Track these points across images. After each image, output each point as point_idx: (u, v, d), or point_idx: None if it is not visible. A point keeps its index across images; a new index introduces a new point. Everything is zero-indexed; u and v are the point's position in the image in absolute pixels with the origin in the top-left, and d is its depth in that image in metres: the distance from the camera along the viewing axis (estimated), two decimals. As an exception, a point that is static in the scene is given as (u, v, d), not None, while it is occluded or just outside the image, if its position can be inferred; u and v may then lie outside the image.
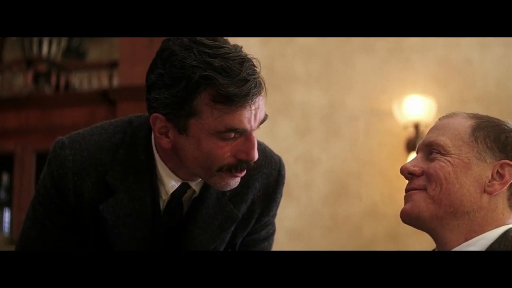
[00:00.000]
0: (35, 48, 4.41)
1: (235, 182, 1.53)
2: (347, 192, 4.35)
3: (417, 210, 1.38)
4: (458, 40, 4.37)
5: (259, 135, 3.98)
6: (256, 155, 1.47)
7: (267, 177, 1.67)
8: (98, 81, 4.31)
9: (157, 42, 1.54)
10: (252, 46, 4.52)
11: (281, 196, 1.72)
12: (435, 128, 1.46)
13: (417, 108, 4.27)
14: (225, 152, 1.47)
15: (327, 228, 4.32)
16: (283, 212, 4.13)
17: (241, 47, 1.48)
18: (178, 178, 1.60)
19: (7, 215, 4.33)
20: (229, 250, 1.72)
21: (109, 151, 1.61)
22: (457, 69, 4.36)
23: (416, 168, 1.42)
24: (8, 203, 4.32)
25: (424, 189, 1.40)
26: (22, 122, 4.22)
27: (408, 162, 1.45)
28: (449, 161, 1.38)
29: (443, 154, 1.39)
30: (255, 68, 1.46)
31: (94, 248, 1.67)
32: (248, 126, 1.43)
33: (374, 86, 4.42)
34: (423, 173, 1.41)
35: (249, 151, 1.46)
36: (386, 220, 4.25)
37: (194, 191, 1.63)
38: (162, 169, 1.60)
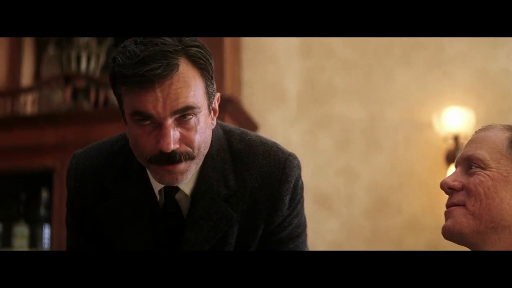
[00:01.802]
0: (73, 64, 4.67)
1: (171, 177, 1.56)
2: (388, 204, 4.57)
3: (458, 227, 1.44)
4: (496, 51, 4.58)
5: (298, 149, 4.36)
6: (168, 146, 1.48)
7: (268, 175, 1.70)
8: (137, 97, 4.53)
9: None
10: (292, 61, 4.82)
11: (291, 194, 1.73)
12: (472, 142, 1.52)
13: (456, 120, 4.45)
14: (145, 141, 1.52)
15: (368, 241, 4.54)
16: (324, 225, 4.56)
17: (192, 40, 1.53)
18: None
19: (47, 231, 4.58)
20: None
21: (108, 158, 1.74)
22: (494, 80, 4.55)
23: (456, 183, 1.48)
24: (48, 219, 4.57)
25: (464, 204, 1.46)
26: (61, 138, 4.45)
27: (448, 177, 1.52)
28: (488, 175, 1.44)
29: (482, 168, 1.45)
30: (171, 55, 1.47)
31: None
32: (153, 111, 1.46)
33: (413, 98, 4.64)
34: (463, 187, 1.47)
35: (160, 141, 1.48)
36: (427, 232, 4.45)
37: (184, 191, 1.69)
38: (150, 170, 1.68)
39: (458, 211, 1.46)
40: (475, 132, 1.55)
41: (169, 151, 1.49)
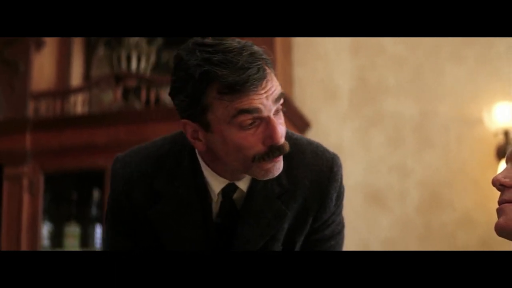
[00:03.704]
0: (123, 64, 4.98)
1: (275, 169, 1.72)
2: (440, 200, 4.86)
3: (511, 224, 1.51)
4: (545, 45, 4.78)
5: (350, 146, 4.83)
6: (280, 138, 1.64)
7: (317, 174, 1.85)
8: (188, 95, 4.82)
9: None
10: (342, 58, 5.08)
11: (337, 193, 1.89)
12: None
13: (507, 115, 4.75)
14: (251, 141, 1.65)
15: (421, 237, 4.83)
16: (377, 222, 4.97)
17: (251, 43, 1.69)
18: (223, 179, 1.82)
19: (98, 231, 4.91)
20: (287, 248, 1.90)
21: (155, 162, 1.86)
22: (544, 74, 4.71)
23: (507, 180, 1.54)
24: (99, 219, 4.87)
25: None
26: (112, 138, 4.73)
27: (499, 173, 1.57)
28: None
29: None
30: (256, 56, 1.64)
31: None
32: (260, 106, 1.62)
33: (464, 94, 4.93)
34: None
35: (272, 135, 1.64)
36: (479, 228, 4.75)
37: (243, 190, 1.84)
38: (207, 172, 1.82)
39: (510, 208, 1.51)
40: None
41: (281, 143, 1.66)
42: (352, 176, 4.91)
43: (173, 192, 1.84)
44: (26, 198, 4.98)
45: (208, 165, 1.82)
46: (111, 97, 5.00)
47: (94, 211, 5.06)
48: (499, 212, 1.55)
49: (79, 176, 5.13)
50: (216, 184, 1.82)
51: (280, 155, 1.69)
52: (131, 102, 5.00)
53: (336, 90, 5.13)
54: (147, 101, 4.95)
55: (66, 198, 5.18)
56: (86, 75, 5.49)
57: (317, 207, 1.87)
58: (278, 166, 1.72)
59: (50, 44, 5.32)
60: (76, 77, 5.46)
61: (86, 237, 5.07)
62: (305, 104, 5.15)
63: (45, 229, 5.09)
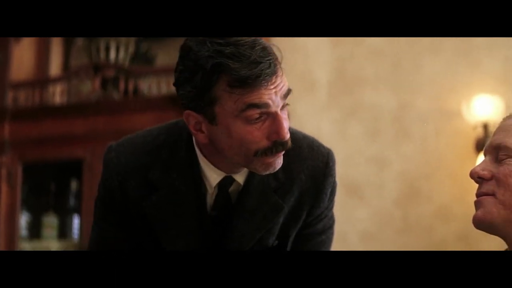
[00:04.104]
0: (102, 54, 4.96)
1: (276, 163, 1.73)
2: (418, 193, 4.86)
3: (489, 217, 1.52)
4: (526, 38, 4.82)
5: (328, 137, 4.85)
6: (286, 134, 1.66)
7: (313, 169, 1.88)
8: (167, 86, 4.72)
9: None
10: (321, 50, 5.08)
11: (331, 188, 1.94)
12: (501, 130, 1.59)
13: (486, 108, 4.73)
14: (256, 136, 1.66)
15: (399, 230, 4.84)
16: (354, 214, 4.98)
17: (260, 39, 1.70)
18: (220, 172, 1.83)
19: (76, 222, 4.94)
20: (281, 242, 1.92)
21: (151, 152, 1.85)
22: (524, 67, 4.72)
23: (485, 172, 1.55)
24: (77, 209, 4.91)
25: (493, 194, 1.53)
26: (91, 128, 4.77)
27: (477, 166, 1.58)
28: None
29: (511, 157, 1.53)
30: (268, 51, 1.66)
31: (145, 246, 1.91)
32: (269, 102, 1.64)
33: (442, 86, 4.92)
34: (492, 177, 1.55)
35: (278, 130, 1.65)
36: (457, 221, 4.74)
37: (240, 183, 1.85)
38: (204, 164, 1.83)
39: (488, 200, 1.53)
40: (503, 119, 1.63)
41: (286, 139, 1.68)
42: (330, 168, 4.91)
43: (169, 183, 1.84)
44: (4, 188, 5.02)
45: (206, 157, 1.82)
46: (89, 87, 5.04)
47: (72, 201, 5.10)
48: (477, 204, 1.57)
49: (57, 166, 5.16)
50: (213, 176, 1.83)
51: (283, 150, 1.71)
52: (110, 93, 5.03)
53: (314, 82, 5.14)
54: (126, 91, 4.99)
55: (45, 188, 5.21)
56: (65, 65, 5.51)
57: (312, 202, 1.90)
58: (279, 161, 1.74)
59: (29, 34, 5.32)
60: (55, 67, 5.49)
61: (64, 228, 5.10)
62: (284, 95, 5.15)
63: (23, 220, 5.11)
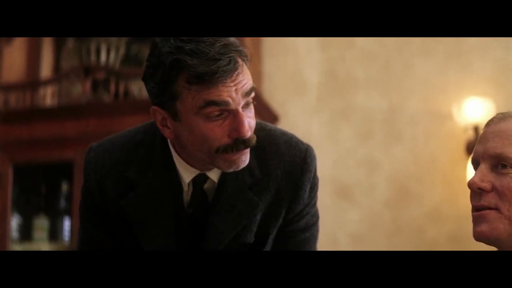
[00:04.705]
0: (92, 56, 4.95)
1: (240, 161, 1.75)
2: (409, 195, 4.90)
3: (495, 233, 1.49)
4: (517, 41, 4.82)
5: (319, 139, 4.87)
6: (247, 132, 1.68)
7: (290, 165, 1.88)
8: (157, 88, 4.87)
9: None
10: (312, 52, 5.12)
11: (311, 184, 1.93)
12: (496, 136, 1.54)
13: (476, 110, 4.77)
14: (217, 133, 1.69)
15: (389, 232, 4.88)
16: (345, 216, 5.03)
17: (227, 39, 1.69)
18: (194, 169, 1.85)
19: (67, 224, 4.93)
20: (260, 239, 1.92)
21: (129, 151, 1.89)
22: (514, 70, 4.76)
23: (485, 184, 1.52)
24: (68, 211, 4.89)
25: (496, 208, 1.50)
26: (81, 130, 4.74)
27: (475, 176, 1.54)
28: None
29: None
30: (229, 48, 1.67)
31: (127, 246, 1.94)
32: (228, 99, 1.65)
33: (433, 89, 4.97)
34: (493, 189, 1.51)
35: (238, 128, 1.67)
36: (448, 223, 4.79)
37: (214, 181, 1.87)
38: (178, 162, 1.85)
39: (492, 215, 1.50)
40: (493, 122, 1.59)
41: (247, 137, 1.70)
42: (320, 170, 4.90)
43: (146, 182, 1.87)
44: (-6, 189, 5.01)
45: (179, 155, 1.85)
46: (80, 89, 5.04)
47: (62, 203, 5.10)
48: (479, 218, 1.53)
49: (48, 168, 5.16)
50: (186, 174, 1.85)
51: (244, 148, 1.73)
52: (100, 95, 5.03)
53: (304, 84, 5.18)
54: (116, 93, 4.99)
55: (35, 190, 5.21)
56: (56, 67, 5.52)
57: (290, 198, 1.90)
58: (244, 158, 1.76)
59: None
60: (45, 69, 5.50)
61: (54, 230, 5.11)
62: (274, 97, 5.20)
63: (14, 222, 5.13)
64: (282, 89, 5.23)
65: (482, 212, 1.51)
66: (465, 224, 4.50)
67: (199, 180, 1.87)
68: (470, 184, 1.53)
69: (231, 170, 1.77)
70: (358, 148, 5.07)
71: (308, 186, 1.92)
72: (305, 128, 5.06)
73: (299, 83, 5.21)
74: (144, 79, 1.77)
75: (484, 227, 1.51)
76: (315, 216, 2.01)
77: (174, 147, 1.85)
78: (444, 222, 4.88)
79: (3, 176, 5.02)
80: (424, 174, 4.95)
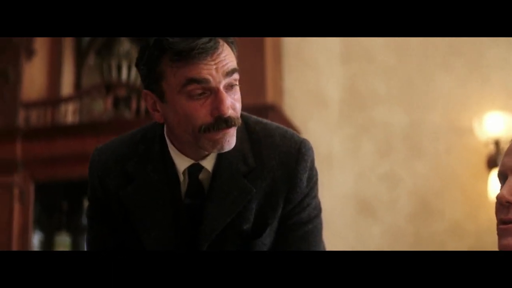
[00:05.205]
0: (114, 73, 5.01)
1: (224, 141, 1.77)
2: (430, 210, 4.92)
3: None
4: (537, 54, 4.87)
5: (340, 155, 4.88)
6: (227, 109, 1.72)
7: (285, 155, 1.88)
8: (178, 104, 4.89)
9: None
10: (332, 67, 5.16)
11: (308, 173, 1.92)
12: None
13: (497, 125, 4.80)
14: (199, 112, 1.72)
15: (411, 246, 4.86)
16: (367, 231, 5.06)
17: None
18: (188, 159, 1.87)
19: None
20: (257, 229, 1.93)
21: (129, 147, 1.94)
22: (535, 84, 4.80)
23: None
24: None
25: None
26: None
27: (504, 189, 1.52)
28: None
29: None
30: (215, 39, 1.72)
31: (128, 244, 1.97)
32: (208, 77, 1.70)
33: (454, 103, 5.00)
34: None
35: (218, 106, 1.71)
36: (469, 238, 4.80)
37: (208, 170, 1.89)
38: (173, 152, 1.88)
39: None
40: None
41: (227, 115, 1.73)
42: (342, 185, 5.00)
43: (144, 175, 1.91)
44: (16, 207, 5.05)
45: (173, 144, 1.88)
46: (101, 106, 5.09)
47: (84, 220, 5.09)
48: (506, 231, 1.52)
49: (69, 185, 5.20)
50: (181, 163, 1.88)
51: (226, 127, 1.76)
52: (122, 112, 5.08)
53: (326, 99, 5.22)
54: (138, 110, 5.04)
55: (57, 207, 5.26)
56: (77, 84, 5.57)
57: (286, 188, 1.91)
58: (228, 138, 1.79)
59: (41, 53, 5.41)
60: (66, 86, 5.55)
61: (76, 247, 5.16)
62: (295, 113, 5.24)
63: (36, 239, 5.16)
64: (303, 105, 5.26)
65: (510, 225, 1.50)
66: (486, 238, 4.63)
67: (194, 170, 1.90)
68: (499, 197, 1.52)
69: (216, 150, 1.81)
70: (380, 163, 5.10)
71: (305, 176, 1.92)
72: (326, 144, 5.09)
73: (320, 98, 5.26)
74: (136, 64, 1.83)
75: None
76: (317, 209, 2.01)
77: (169, 138, 1.89)
78: (465, 237, 4.90)
79: (24, 193, 5.06)
80: (445, 189, 4.97)
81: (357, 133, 5.18)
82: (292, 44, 5.32)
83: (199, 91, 1.72)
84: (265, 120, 1.99)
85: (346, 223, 4.99)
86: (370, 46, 5.20)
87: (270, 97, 4.79)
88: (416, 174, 5.05)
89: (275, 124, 2.00)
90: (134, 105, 5.02)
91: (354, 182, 5.08)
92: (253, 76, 4.67)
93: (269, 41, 4.89)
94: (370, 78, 5.23)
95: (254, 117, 1.98)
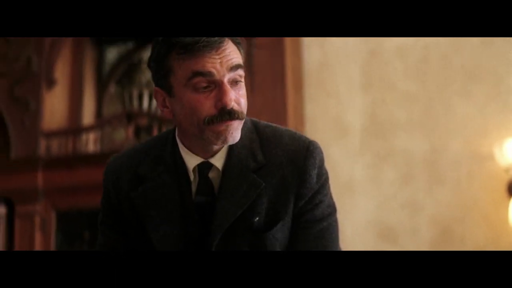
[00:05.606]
0: (135, 102, 5.22)
1: (228, 132, 1.79)
2: (452, 237, 4.93)
3: None
4: (555, 81, 4.95)
5: (361, 182, 4.89)
6: (230, 101, 1.76)
7: (293, 153, 1.90)
8: (199, 134, 4.91)
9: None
10: (353, 95, 5.19)
11: (318, 170, 1.93)
12: None
13: None
14: (204, 104, 1.76)
15: None
16: (389, 259, 5.07)
17: None
18: (197, 157, 1.89)
19: None
20: (269, 224, 1.92)
21: (142, 152, 1.95)
22: (555, 109, 4.86)
23: None
24: None
25: None
26: None
27: None
28: None
29: None
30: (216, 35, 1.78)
31: (140, 247, 1.97)
32: (213, 70, 1.75)
33: (474, 130, 5.01)
34: None
35: (222, 97, 1.74)
36: None
37: (218, 168, 1.90)
38: (183, 151, 1.90)
39: None
40: None
41: (230, 107, 1.75)
42: (364, 212, 5.02)
43: (155, 176, 1.93)
44: (38, 236, 5.09)
45: (183, 144, 1.90)
46: (123, 135, 5.13)
47: (105, 248, 5.14)
48: None
49: (91, 214, 5.20)
50: (190, 161, 1.90)
51: (230, 119, 1.78)
52: (143, 140, 5.10)
53: (347, 127, 5.25)
54: (159, 139, 5.05)
55: (78, 236, 5.27)
56: (98, 113, 5.62)
57: (296, 183, 1.90)
58: (231, 131, 1.81)
59: (62, 82, 5.47)
60: (87, 115, 5.60)
61: (98, 276, 5.15)
62: (316, 140, 5.24)
63: (57, 268, 5.16)
64: (324, 133, 5.29)
65: None
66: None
67: (204, 168, 1.91)
68: None
69: (220, 142, 1.82)
70: (401, 190, 5.11)
71: (314, 172, 1.92)
72: (348, 171, 5.11)
73: (341, 126, 5.28)
74: (148, 64, 1.87)
75: None
76: (331, 208, 1.98)
77: (179, 138, 1.91)
78: (487, 263, 4.90)
79: (46, 222, 5.10)
80: (466, 216, 4.98)
81: (378, 161, 5.20)
82: (312, 72, 5.37)
83: (204, 84, 1.76)
84: (274, 124, 2.00)
85: (367, 250, 5.00)
86: (390, 74, 5.23)
87: (291, 125, 4.84)
88: (437, 200, 5.06)
89: (284, 127, 2.00)
90: (155, 134, 5.01)
91: (376, 210, 5.10)
92: (274, 104, 4.71)
93: (289, 70, 4.93)
94: (390, 105, 5.25)
95: (264, 122, 2.00)
